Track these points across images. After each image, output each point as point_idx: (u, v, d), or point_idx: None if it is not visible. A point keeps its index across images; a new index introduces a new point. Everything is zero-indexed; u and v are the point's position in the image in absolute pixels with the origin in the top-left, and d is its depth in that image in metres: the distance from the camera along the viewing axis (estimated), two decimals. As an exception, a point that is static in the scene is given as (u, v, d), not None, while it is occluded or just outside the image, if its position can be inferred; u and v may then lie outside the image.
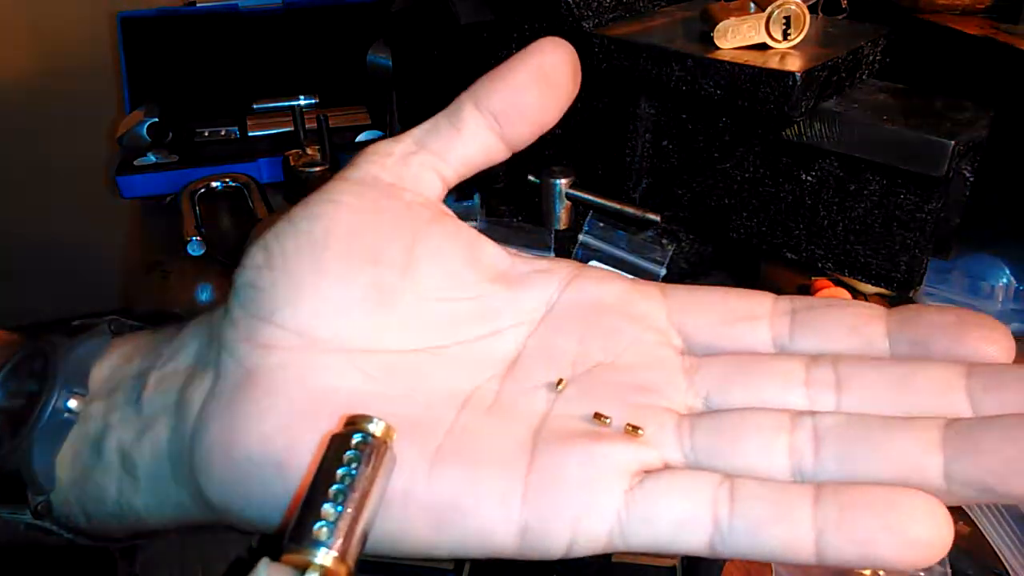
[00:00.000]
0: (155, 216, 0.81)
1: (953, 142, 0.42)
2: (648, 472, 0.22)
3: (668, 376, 0.25)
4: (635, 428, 0.23)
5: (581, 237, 0.55)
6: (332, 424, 0.23)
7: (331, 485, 0.18)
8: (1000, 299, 0.58)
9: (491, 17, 0.57)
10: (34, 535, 0.29)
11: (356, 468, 0.18)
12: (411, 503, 0.22)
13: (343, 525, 0.17)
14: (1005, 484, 0.19)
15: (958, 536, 0.43)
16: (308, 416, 0.23)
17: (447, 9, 0.59)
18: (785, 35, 0.46)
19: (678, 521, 0.21)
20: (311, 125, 0.79)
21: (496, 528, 0.22)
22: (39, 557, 0.32)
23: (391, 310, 0.26)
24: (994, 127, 0.45)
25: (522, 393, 0.25)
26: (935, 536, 0.19)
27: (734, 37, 0.46)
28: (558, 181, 0.55)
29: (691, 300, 0.27)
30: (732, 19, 0.45)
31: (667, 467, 0.22)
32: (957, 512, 0.44)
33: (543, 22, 0.54)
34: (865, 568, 0.20)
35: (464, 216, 0.59)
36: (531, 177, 0.57)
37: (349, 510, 0.18)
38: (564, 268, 0.29)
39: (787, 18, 0.45)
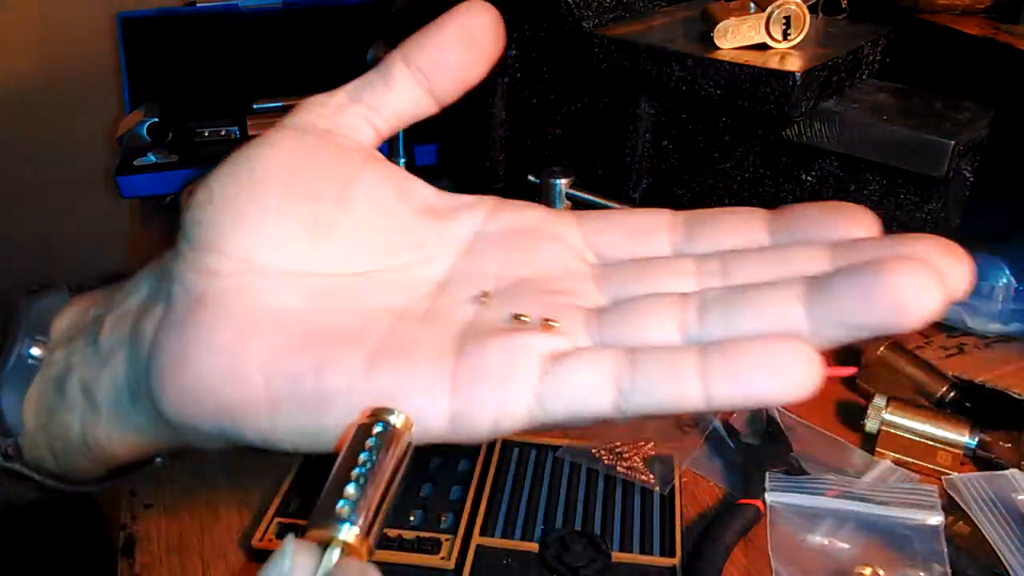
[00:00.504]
0: (155, 216, 0.81)
1: (953, 142, 0.42)
2: (561, 355, 0.24)
3: (580, 283, 0.28)
4: (549, 321, 0.25)
5: (581, 237, 0.55)
6: (274, 338, 0.25)
7: (354, 469, 0.19)
8: (1000, 299, 0.58)
9: (491, 17, 0.57)
10: (6, 490, 0.31)
11: (377, 455, 0.19)
12: (352, 400, 0.24)
13: (364, 505, 0.19)
14: (859, 318, 0.22)
15: (958, 536, 0.43)
16: (252, 331, 0.26)
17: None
18: (785, 35, 0.46)
19: (586, 389, 0.23)
20: (311, 125, 0.79)
21: (428, 416, 0.24)
22: (41, 558, 0.32)
23: (328, 239, 0.28)
24: (994, 127, 0.45)
25: (451, 307, 0.28)
26: (806, 372, 0.22)
27: (734, 37, 0.46)
28: (558, 181, 0.55)
29: (601, 220, 0.30)
30: (732, 19, 0.45)
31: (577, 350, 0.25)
32: (957, 512, 0.44)
33: (543, 22, 0.54)
34: (747, 406, 0.23)
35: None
36: (531, 177, 0.57)
37: (370, 492, 0.19)
38: (489, 202, 0.32)
39: (787, 18, 0.45)
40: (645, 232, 0.29)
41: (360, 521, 0.19)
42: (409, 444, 0.21)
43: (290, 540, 0.18)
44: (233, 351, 0.25)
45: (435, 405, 0.24)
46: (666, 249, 0.28)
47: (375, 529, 0.19)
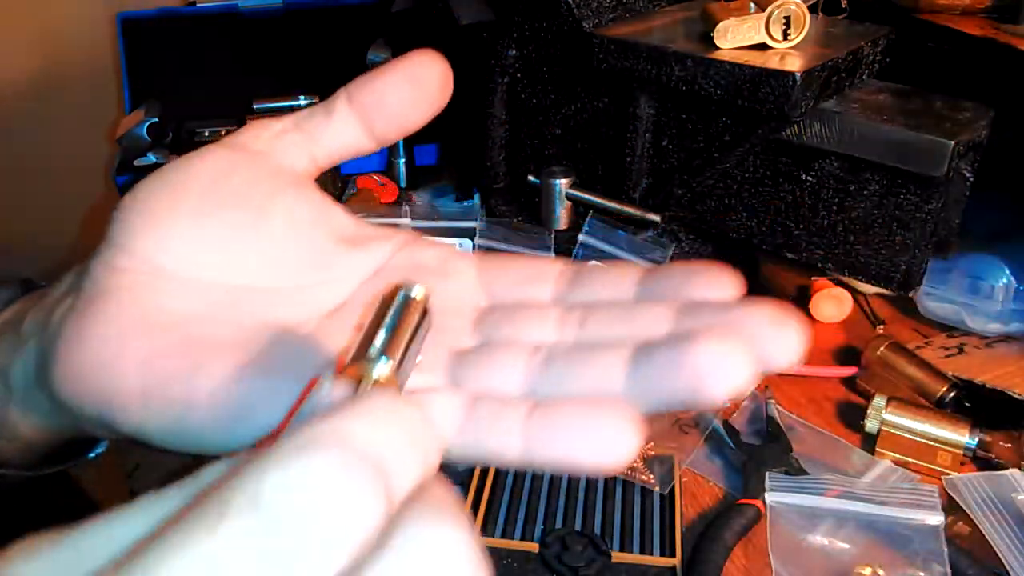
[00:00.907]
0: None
1: (953, 142, 0.42)
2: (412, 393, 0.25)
3: (459, 322, 0.29)
4: None
5: (581, 237, 0.55)
6: (156, 338, 0.27)
7: (383, 322, 0.22)
8: (1000, 299, 0.58)
9: (491, 17, 0.57)
10: None
11: (401, 314, 0.22)
12: (212, 403, 0.26)
13: (394, 348, 0.21)
14: (667, 388, 0.23)
15: (958, 536, 0.43)
16: (138, 329, 0.27)
17: (447, 9, 0.59)
18: (785, 35, 0.46)
19: None
20: (311, 125, 0.79)
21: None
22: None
23: (237, 252, 0.30)
24: (994, 127, 0.45)
25: (335, 332, 0.29)
26: (622, 439, 0.22)
27: (734, 37, 0.46)
28: (558, 181, 0.55)
29: (497, 263, 0.32)
30: (732, 19, 0.45)
31: (431, 390, 0.26)
32: (957, 512, 0.44)
33: (543, 22, 0.54)
34: (565, 470, 0.23)
35: (464, 216, 0.59)
36: (531, 177, 0.57)
37: (398, 339, 0.21)
38: (401, 236, 0.33)
39: (787, 18, 0.45)
40: (533, 279, 0.30)
41: (392, 360, 0.21)
42: (427, 310, 0.23)
43: (327, 378, 0.20)
44: (117, 344, 0.27)
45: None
46: (548, 295, 0.30)
47: (403, 373, 0.21)
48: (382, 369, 0.21)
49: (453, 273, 0.31)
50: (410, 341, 0.22)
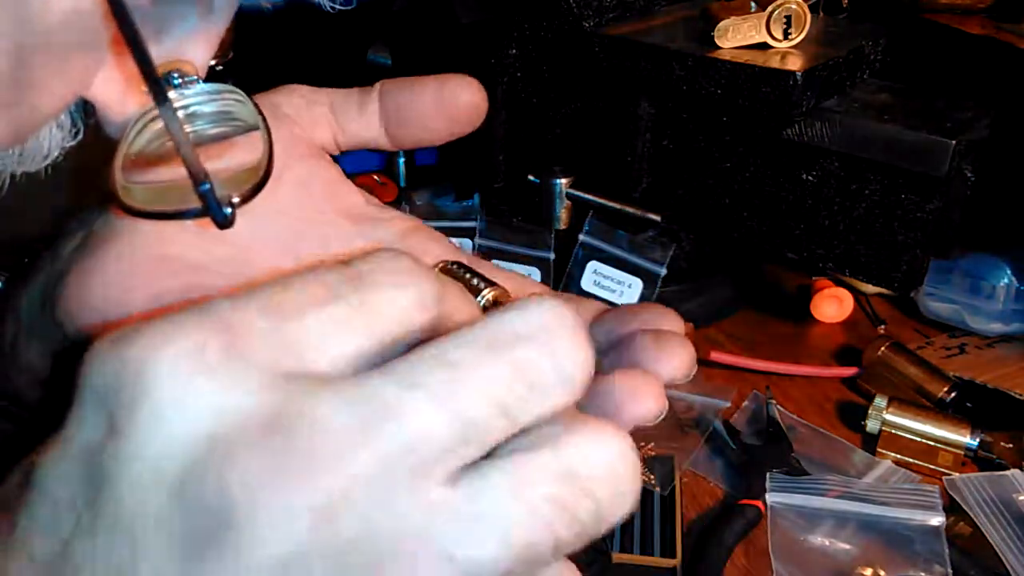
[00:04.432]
0: (155, 216, 0.81)
1: (954, 142, 0.41)
2: None
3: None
4: None
5: (581, 237, 0.55)
6: (162, 281, 0.29)
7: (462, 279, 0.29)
8: (1001, 299, 0.58)
9: (491, 16, 0.57)
10: None
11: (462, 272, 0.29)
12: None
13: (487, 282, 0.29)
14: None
15: (959, 537, 0.43)
16: (148, 270, 0.29)
17: (447, 9, 0.59)
18: (786, 34, 0.45)
19: None
20: (311, 125, 0.79)
21: None
22: None
23: (246, 213, 0.31)
24: (995, 126, 0.45)
25: None
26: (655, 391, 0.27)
27: (735, 36, 0.46)
28: (558, 181, 0.55)
29: (497, 273, 0.33)
30: (733, 18, 0.45)
31: None
32: (958, 512, 0.43)
33: (543, 21, 0.54)
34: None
35: (464, 216, 0.59)
36: (531, 177, 0.57)
37: (482, 274, 0.29)
38: (406, 222, 0.34)
39: (788, 17, 0.45)
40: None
41: (493, 287, 0.29)
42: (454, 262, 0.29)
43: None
44: (127, 281, 0.29)
45: None
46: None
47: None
48: (488, 294, 0.28)
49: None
50: (480, 275, 0.28)
